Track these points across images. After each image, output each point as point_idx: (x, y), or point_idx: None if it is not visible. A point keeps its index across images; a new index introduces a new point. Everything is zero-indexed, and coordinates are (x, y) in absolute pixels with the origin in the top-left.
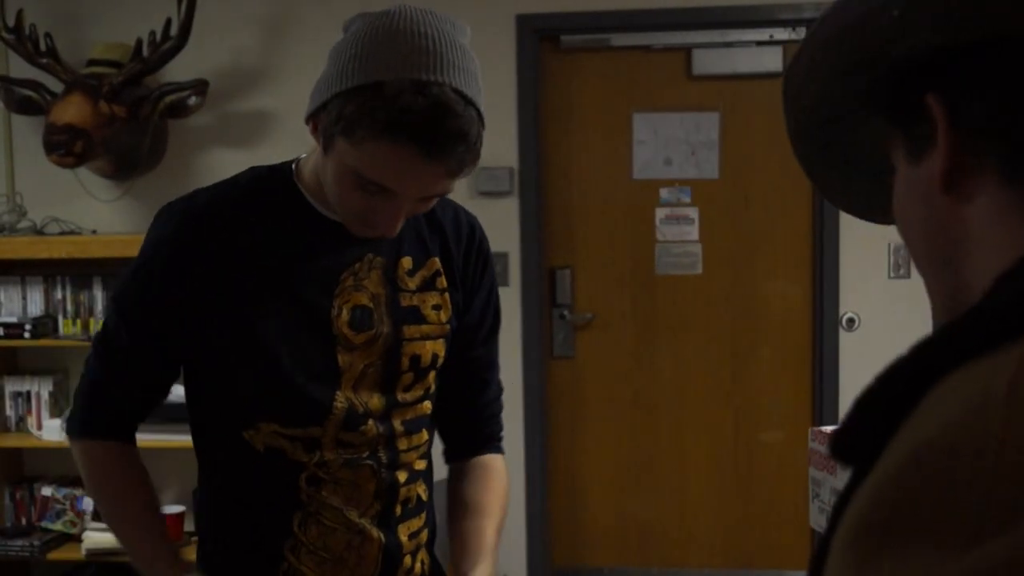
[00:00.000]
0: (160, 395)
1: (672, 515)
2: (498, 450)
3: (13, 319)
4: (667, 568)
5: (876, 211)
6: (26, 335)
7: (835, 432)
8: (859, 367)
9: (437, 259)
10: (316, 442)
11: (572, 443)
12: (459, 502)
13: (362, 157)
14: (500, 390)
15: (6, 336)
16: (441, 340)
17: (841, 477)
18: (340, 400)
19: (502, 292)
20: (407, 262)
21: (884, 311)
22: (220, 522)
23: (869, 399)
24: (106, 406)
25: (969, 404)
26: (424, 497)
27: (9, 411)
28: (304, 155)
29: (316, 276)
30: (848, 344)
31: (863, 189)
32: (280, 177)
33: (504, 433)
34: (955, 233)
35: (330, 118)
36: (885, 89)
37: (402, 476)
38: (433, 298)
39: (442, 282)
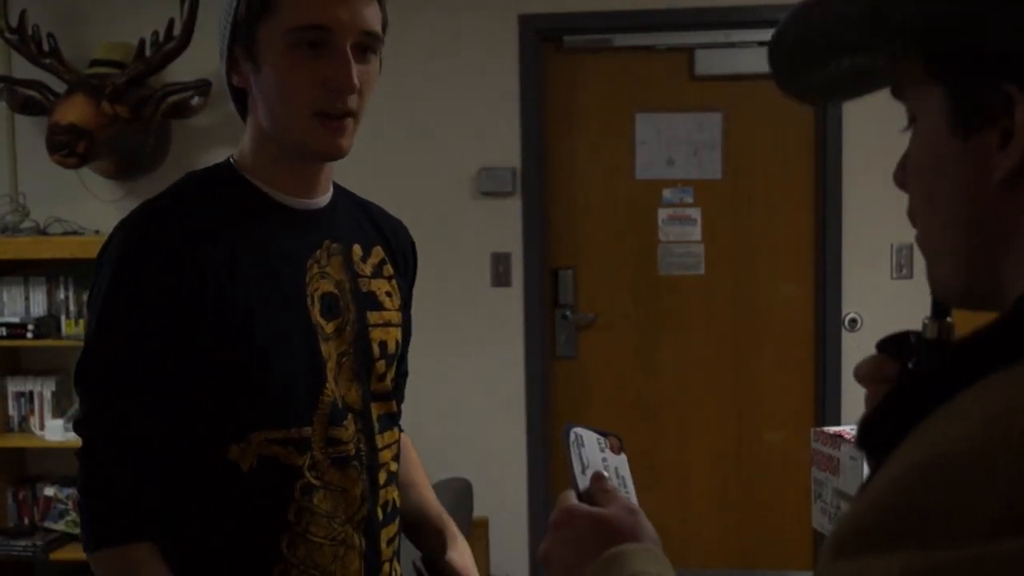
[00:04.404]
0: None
1: (674, 514)
2: (402, 429)
3: (16, 319)
4: None
5: (821, 98)
6: (29, 335)
7: (861, 423)
8: None
9: (380, 247)
10: (307, 443)
11: None
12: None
13: (289, 16)
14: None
15: (9, 336)
16: (399, 328)
17: (843, 477)
18: (327, 393)
19: (505, 292)
20: (358, 249)
21: (887, 311)
22: (198, 556)
23: (899, 395)
24: (142, 479)
25: (991, 416)
26: (397, 502)
27: (12, 411)
28: (233, 156)
29: (287, 267)
30: (851, 344)
31: (830, 83)
32: (225, 174)
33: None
34: (1005, 225)
35: (245, 28)
36: (954, 59)
37: (382, 477)
38: (384, 285)
39: (388, 270)
